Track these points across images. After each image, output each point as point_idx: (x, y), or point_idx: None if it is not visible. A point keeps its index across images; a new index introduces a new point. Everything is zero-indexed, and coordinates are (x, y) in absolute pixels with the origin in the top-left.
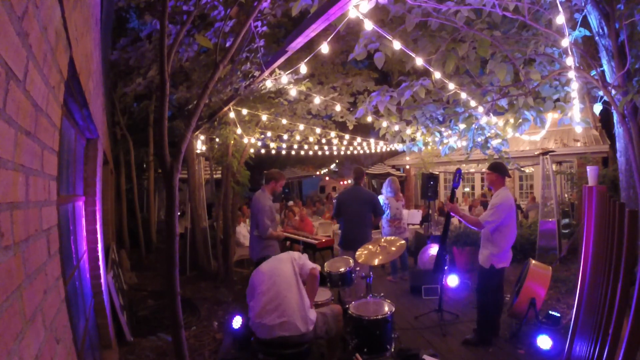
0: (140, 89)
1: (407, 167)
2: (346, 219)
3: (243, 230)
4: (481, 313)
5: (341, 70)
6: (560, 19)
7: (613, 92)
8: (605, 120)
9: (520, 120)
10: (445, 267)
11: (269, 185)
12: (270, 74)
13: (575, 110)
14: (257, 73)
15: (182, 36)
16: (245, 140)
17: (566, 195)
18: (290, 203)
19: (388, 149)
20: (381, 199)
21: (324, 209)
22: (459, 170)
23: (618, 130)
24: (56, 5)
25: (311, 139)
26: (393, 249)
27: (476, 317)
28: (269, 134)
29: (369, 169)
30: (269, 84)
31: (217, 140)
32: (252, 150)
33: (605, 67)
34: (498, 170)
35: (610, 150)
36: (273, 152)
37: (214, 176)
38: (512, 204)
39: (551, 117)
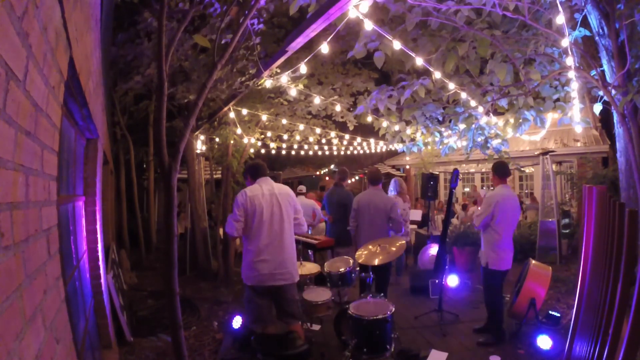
0: (139, 86)
1: (407, 167)
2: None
3: None
4: (490, 310)
5: (341, 71)
6: (560, 19)
7: (613, 92)
8: (605, 120)
9: (520, 120)
10: (446, 267)
11: None
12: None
13: (575, 110)
14: (253, 70)
15: (180, 34)
16: (245, 140)
17: (567, 196)
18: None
19: (388, 149)
20: None
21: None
22: (456, 171)
23: (618, 130)
24: (56, 5)
25: (311, 139)
26: (393, 249)
27: (487, 316)
28: (269, 134)
29: (368, 169)
30: (268, 83)
31: (217, 140)
32: (252, 150)
33: (605, 67)
34: (495, 170)
35: (610, 150)
36: (273, 152)
37: (214, 176)
38: (505, 199)
39: (551, 117)
